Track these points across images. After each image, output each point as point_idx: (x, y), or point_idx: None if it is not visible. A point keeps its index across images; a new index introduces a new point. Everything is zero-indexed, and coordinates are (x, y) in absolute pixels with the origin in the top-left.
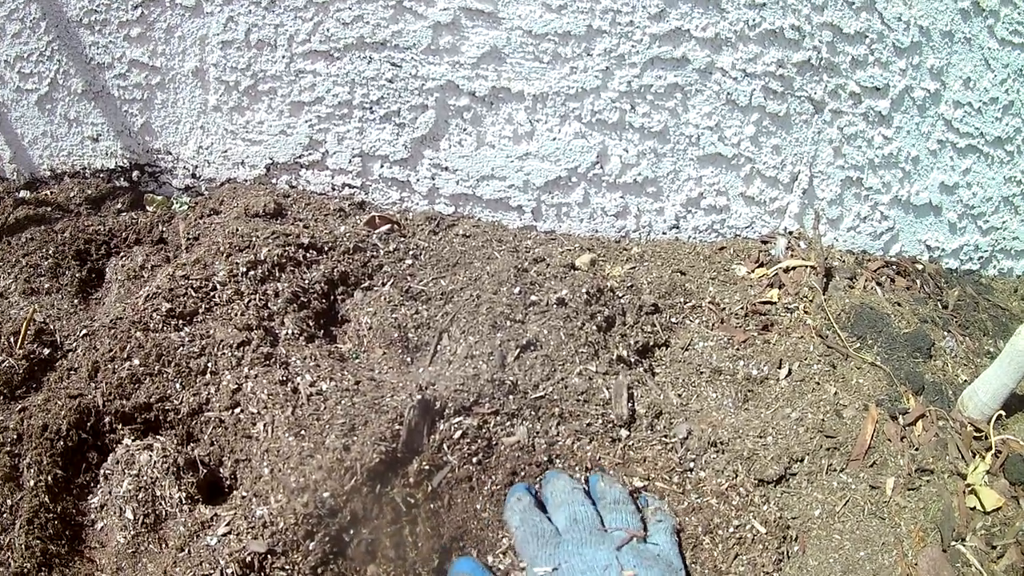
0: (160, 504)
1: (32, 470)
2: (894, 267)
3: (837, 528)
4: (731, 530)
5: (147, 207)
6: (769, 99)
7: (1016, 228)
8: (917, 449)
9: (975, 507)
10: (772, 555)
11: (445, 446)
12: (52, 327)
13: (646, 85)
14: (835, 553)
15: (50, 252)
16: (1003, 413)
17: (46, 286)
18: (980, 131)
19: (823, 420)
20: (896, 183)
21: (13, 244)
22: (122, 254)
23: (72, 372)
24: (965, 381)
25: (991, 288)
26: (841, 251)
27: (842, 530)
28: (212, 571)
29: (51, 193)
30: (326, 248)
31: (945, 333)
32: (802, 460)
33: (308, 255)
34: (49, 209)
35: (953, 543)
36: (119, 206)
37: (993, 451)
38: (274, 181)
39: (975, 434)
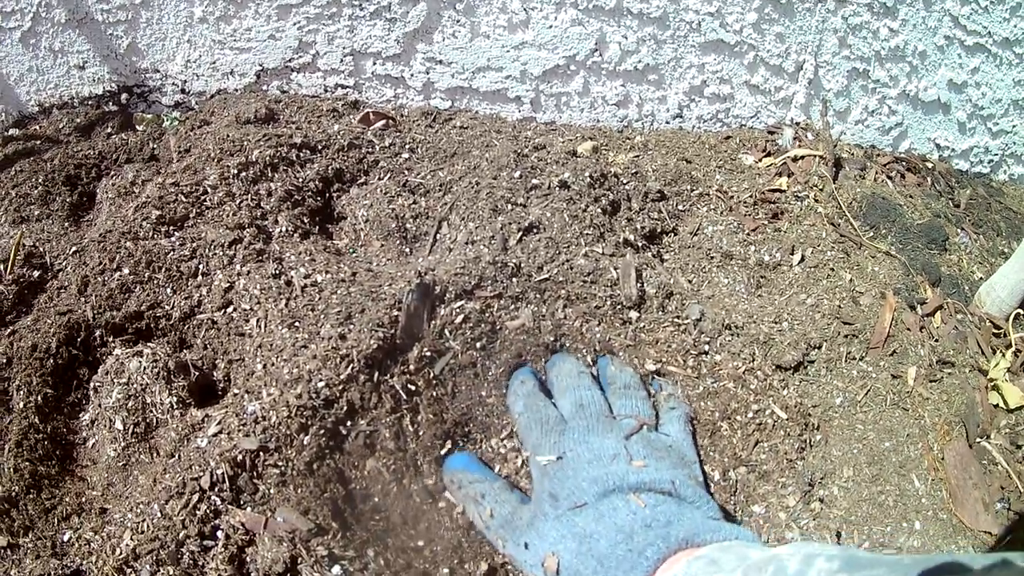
0: (151, 411)
1: (22, 391)
2: (904, 163)
3: (859, 417)
4: (750, 415)
5: (137, 127)
6: None
7: None
8: (937, 340)
9: (998, 404)
10: (795, 442)
11: (447, 331)
12: (42, 250)
13: None
14: (859, 443)
15: (39, 181)
16: (1021, 312)
17: (36, 213)
18: (988, 30)
19: (840, 307)
20: (904, 77)
21: (2, 179)
22: (112, 173)
23: (62, 290)
24: (980, 279)
25: (1003, 192)
26: (849, 144)
27: (865, 420)
28: (202, 473)
29: (40, 127)
30: (320, 147)
31: (959, 230)
32: (820, 347)
33: (301, 154)
34: (39, 142)
35: (978, 440)
36: (109, 130)
37: (1013, 349)
38: (265, 88)
39: (994, 331)
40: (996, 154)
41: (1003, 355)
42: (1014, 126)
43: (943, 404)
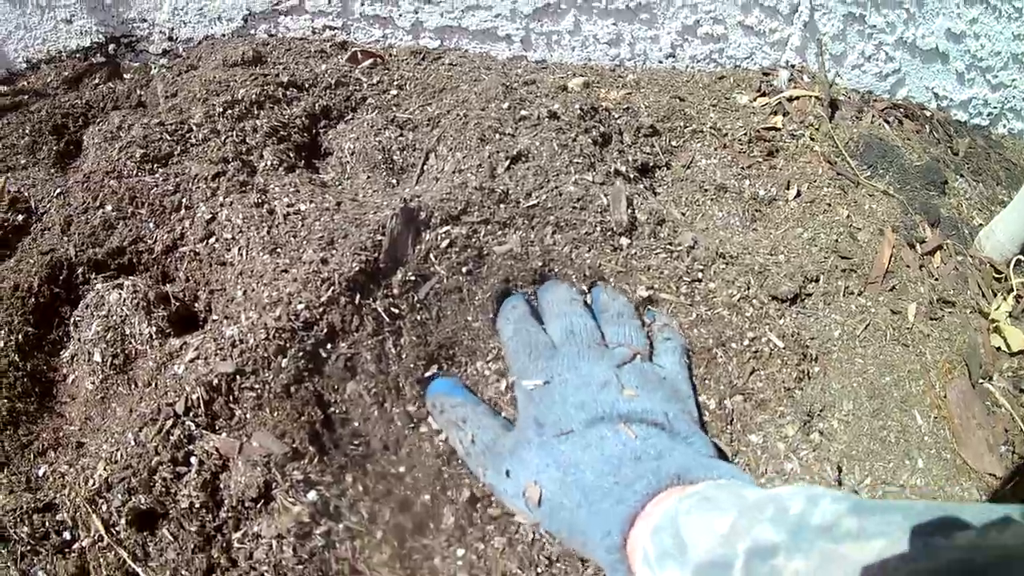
0: (130, 343)
1: (2, 331)
2: (902, 110)
3: (859, 352)
4: (746, 343)
5: (125, 76)
6: None
7: None
8: (937, 280)
9: (999, 347)
10: (792, 372)
11: (432, 256)
12: (27, 195)
13: None
14: (859, 377)
15: (26, 131)
16: (1022, 257)
17: (23, 162)
18: None
19: (837, 241)
20: (901, 24)
21: None
22: (99, 120)
23: (45, 231)
24: (980, 224)
25: (1002, 145)
26: (846, 88)
27: (864, 354)
28: (177, 399)
29: (28, 83)
30: (307, 85)
31: (958, 176)
32: (817, 280)
33: (288, 92)
34: (26, 96)
35: (980, 381)
36: (96, 81)
37: (1014, 294)
38: (252, 32)
39: (995, 275)
40: (995, 107)
41: (1004, 299)
42: (1014, 80)
43: (944, 343)
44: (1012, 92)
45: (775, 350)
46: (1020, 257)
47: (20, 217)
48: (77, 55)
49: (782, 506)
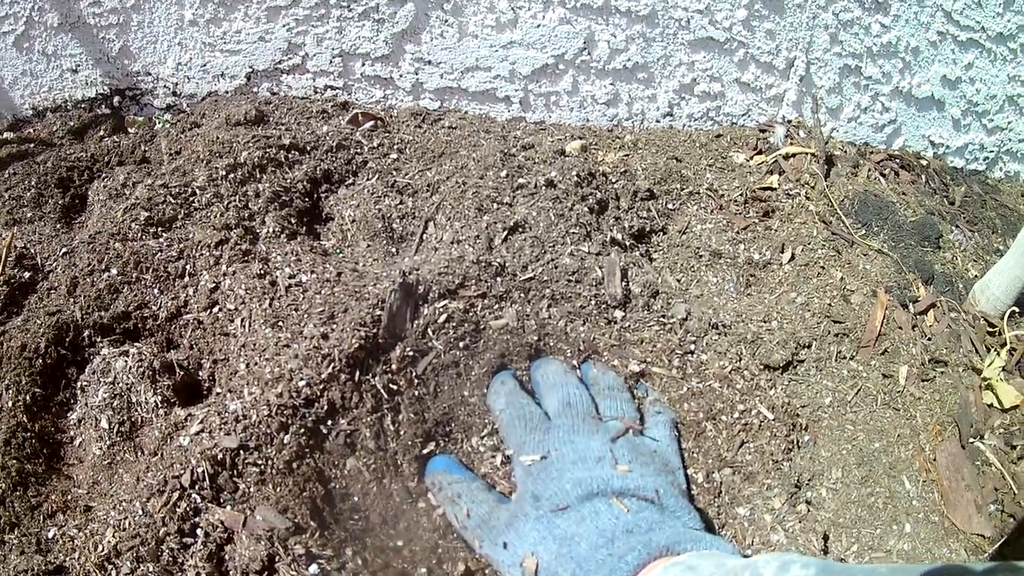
0: (136, 411)
1: (10, 391)
2: (897, 160)
3: (849, 418)
4: (736, 415)
5: (129, 130)
6: None
7: (1022, 130)
8: (930, 339)
9: (992, 404)
10: (781, 443)
11: (430, 331)
12: (33, 251)
13: None
14: (848, 444)
15: (32, 183)
16: (1016, 309)
17: (28, 216)
18: (981, 25)
19: (830, 305)
20: (896, 73)
21: None
22: (104, 176)
23: (52, 291)
24: (975, 276)
25: (998, 190)
26: (842, 142)
27: (855, 420)
28: (183, 471)
29: (34, 131)
30: (308, 148)
31: (953, 228)
32: (809, 346)
33: (290, 155)
34: (32, 145)
35: (971, 440)
36: (101, 133)
37: (1008, 347)
38: (255, 90)
39: (988, 329)
40: (991, 151)
41: (998, 354)
42: (1009, 123)
43: (935, 404)
44: (1008, 135)
45: (765, 422)
46: (1015, 309)
47: (27, 274)
48: (82, 105)
49: (756, 573)
